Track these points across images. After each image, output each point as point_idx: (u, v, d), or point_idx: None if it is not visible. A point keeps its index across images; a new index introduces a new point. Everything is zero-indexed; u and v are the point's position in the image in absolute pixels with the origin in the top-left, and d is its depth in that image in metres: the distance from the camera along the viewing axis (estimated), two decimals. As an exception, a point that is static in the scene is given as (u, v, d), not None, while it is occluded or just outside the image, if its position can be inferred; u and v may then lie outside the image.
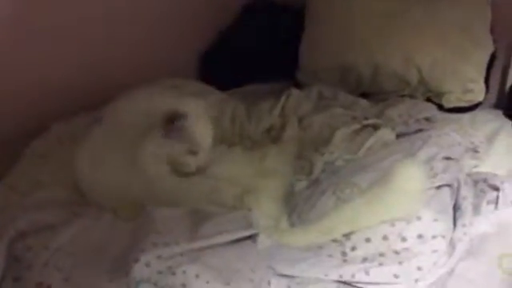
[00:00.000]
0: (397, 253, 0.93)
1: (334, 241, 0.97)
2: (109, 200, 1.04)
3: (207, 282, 0.83)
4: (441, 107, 1.53)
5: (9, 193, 1.13)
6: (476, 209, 1.05)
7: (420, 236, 0.95)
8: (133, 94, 1.22)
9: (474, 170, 1.21)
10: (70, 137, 1.32)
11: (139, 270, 0.81)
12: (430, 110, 1.44)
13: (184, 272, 0.83)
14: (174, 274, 0.82)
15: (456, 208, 1.05)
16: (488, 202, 1.07)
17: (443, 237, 0.96)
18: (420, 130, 1.30)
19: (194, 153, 1.09)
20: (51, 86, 1.50)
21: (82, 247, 0.88)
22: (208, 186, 1.06)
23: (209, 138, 1.12)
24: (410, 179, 1.01)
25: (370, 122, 1.34)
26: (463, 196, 1.06)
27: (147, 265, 0.82)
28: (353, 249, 0.95)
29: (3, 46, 1.38)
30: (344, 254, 0.95)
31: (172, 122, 1.05)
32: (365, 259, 0.93)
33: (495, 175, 1.14)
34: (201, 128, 1.10)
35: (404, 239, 0.95)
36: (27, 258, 0.84)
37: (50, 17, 1.47)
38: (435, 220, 0.97)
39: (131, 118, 1.13)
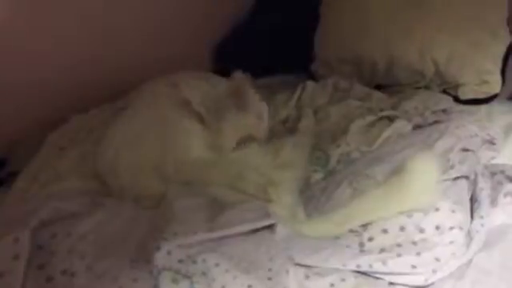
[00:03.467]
0: (414, 244, 0.93)
1: (352, 231, 0.98)
2: (134, 186, 1.06)
3: (227, 271, 0.84)
4: (456, 99, 1.52)
5: (31, 183, 1.16)
6: (493, 200, 1.05)
7: (437, 227, 0.95)
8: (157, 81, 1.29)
9: (491, 161, 1.21)
10: (88, 129, 1.34)
11: (161, 258, 0.83)
12: (446, 102, 1.43)
13: (204, 260, 0.84)
14: (194, 262, 0.84)
15: (473, 199, 1.05)
16: (505, 194, 1.07)
17: (461, 228, 0.96)
18: (436, 122, 1.30)
19: (259, 117, 1.21)
20: (69, 79, 1.52)
21: (105, 236, 0.89)
22: (235, 171, 1.09)
23: (265, 105, 1.25)
24: (426, 172, 1.00)
25: (386, 113, 1.34)
26: (480, 187, 1.06)
27: (169, 253, 0.84)
28: (370, 239, 0.96)
29: (22, 39, 1.40)
30: (362, 244, 0.95)
31: (240, 96, 1.18)
32: (382, 250, 0.93)
33: (512, 167, 1.14)
34: (258, 101, 1.24)
35: (422, 230, 0.95)
36: (51, 244, 0.85)
37: (66, 8, 1.49)
38: (453, 211, 0.97)
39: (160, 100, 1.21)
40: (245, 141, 1.18)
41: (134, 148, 1.12)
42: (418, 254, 0.91)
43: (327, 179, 1.17)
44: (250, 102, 1.21)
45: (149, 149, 1.11)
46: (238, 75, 1.24)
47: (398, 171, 1.04)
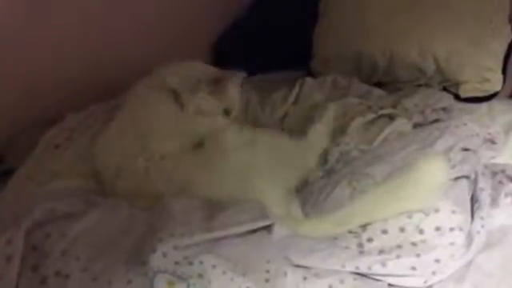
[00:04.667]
0: (414, 245, 0.92)
1: (350, 232, 0.97)
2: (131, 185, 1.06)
3: (224, 273, 0.82)
4: (457, 97, 1.51)
5: (25, 182, 1.14)
6: (494, 201, 1.04)
7: (437, 228, 0.94)
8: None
9: (492, 161, 1.20)
10: (84, 127, 1.33)
11: (156, 260, 0.81)
12: (447, 100, 1.42)
13: (201, 262, 0.83)
14: (190, 264, 0.82)
15: (474, 200, 1.04)
16: (506, 194, 1.06)
17: (461, 229, 0.95)
18: (437, 120, 1.29)
19: (227, 113, 1.21)
20: (65, 76, 1.51)
21: (100, 237, 0.88)
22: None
23: (239, 102, 1.26)
24: (431, 173, 0.99)
25: (386, 111, 1.32)
26: (481, 188, 1.05)
27: (164, 255, 0.82)
28: (369, 240, 0.94)
29: (19, 37, 1.39)
30: (360, 245, 0.94)
31: (218, 82, 1.19)
32: (381, 251, 0.92)
33: (513, 167, 1.13)
34: (236, 93, 1.24)
35: (421, 231, 0.94)
36: (45, 245, 0.84)
37: (64, 6, 1.47)
38: (453, 212, 0.96)
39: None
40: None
41: (123, 143, 1.13)
42: (418, 255, 0.90)
43: (326, 178, 1.15)
44: (225, 95, 1.21)
45: (132, 143, 1.12)
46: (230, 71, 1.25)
47: (399, 171, 1.03)
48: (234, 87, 1.24)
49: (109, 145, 1.15)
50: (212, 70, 1.28)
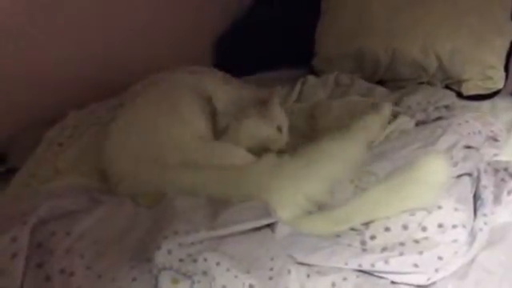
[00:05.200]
0: (417, 242, 0.92)
1: (353, 230, 0.97)
2: (135, 181, 1.05)
3: (228, 270, 0.83)
4: (459, 95, 1.51)
5: (29, 180, 1.15)
6: (496, 198, 1.04)
7: (440, 225, 0.94)
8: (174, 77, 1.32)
9: (494, 158, 1.20)
10: (86, 125, 1.33)
11: (161, 258, 0.82)
12: (449, 98, 1.42)
13: (205, 259, 0.83)
14: (195, 261, 0.83)
15: (476, 197, 1.04)
16: (509, 192, 1.06)
17: (464, 226, 0.95)
18: (439, 118, 1.29)
19: (279, 130, 1.19)
20: (67, 75, 1.52)
21: (104, 234, 0.88)
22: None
23: (287, 120, 1.24)
24: (433, 172, 0.99)
25: (388, 109, 1.32)
26: (483, 185, 1.05)
27: (169, 252, 0.83)
28: (372, 238, 0.94)
29: (20, 35, 1.39)
30: (363, 242, 0.94)
31: (264, 105, 1.17)
32: (384, 248, 0.92)
33: (516, 164, 1.13)
34: (281, 110, 1.23)
35: (424, 229, 0.94)
36: (50, 243, 0.84)
37: (65, 5, 1.48)
38: (456, 209, 0.96)
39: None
40: (256, 151, 1.15)
41: (137, 137, 1.10)
42: (421, 252, 0.90)
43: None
44: (273, 113, 1.19)
45: (151, 137, 1.10)
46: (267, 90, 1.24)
47: (402, 169, 1.03)
48: (278, 105, 1.23)
49: (120, 146, 1.12)
50: (255, 91, 1.27)
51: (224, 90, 1.24)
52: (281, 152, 1.14)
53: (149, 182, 1.03)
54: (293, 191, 1.00)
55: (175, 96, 1.20)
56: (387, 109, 1.27)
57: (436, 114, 1.31)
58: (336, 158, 1.06)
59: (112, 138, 1.14)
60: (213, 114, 1.18)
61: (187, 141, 1.10)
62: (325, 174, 1.03)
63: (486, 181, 1.06)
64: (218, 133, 1.17)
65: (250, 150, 1.14)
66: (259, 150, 1.15)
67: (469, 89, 1.51)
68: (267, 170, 1.04)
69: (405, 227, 0.95)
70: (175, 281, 0.80)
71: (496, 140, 1.26)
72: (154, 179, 1.03)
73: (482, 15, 1.52)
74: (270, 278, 0.84)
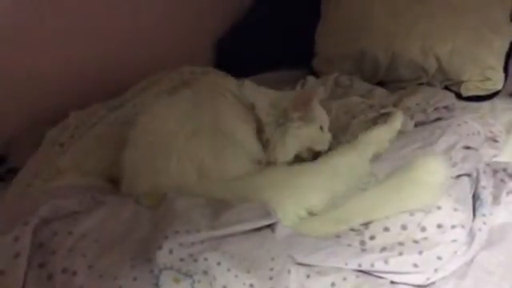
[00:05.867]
0: (416, 242, 0.93)
1: (353, 230, 0.97)
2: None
3: (228, 270, 0.83)
4: (459, 96, 1.52)
5: (31, 180, 1.15)
6: (495, 199, 1.05)
7: (439, 226, 0.95)
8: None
9: (494, 159, 1.20)
10: (87, 125, 1.33)
11: (162, 257, 0.82)
12: (449, 99, 1.42)
13: (206, 259, 0.83)
14: (195, 261, 0.83)
15: (475, 198, 1.04)
16: (508, 192, 1.06)
17: (463, 226, 0.95)
18: (439, 119, 1.29)
19: (322, 130, 1.18)
20: (68, 75, 1.52)
21: (106, 234, 0.89)
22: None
23: (327, 117, 1.21)
24: (431, 173, 1.00)
25: (388, 110, 1.33)
26: (483, 186, 1.06)
27: (170, 252, 0.83)
28: (371, 238, 0.95)
29: (21, 36, 1.39)
30: (363, 243, 0.95)
31: (304, 105, 1.13)
32: (384, 248, 0.93)
33: (515, 165, 1.13)
34: (321, 109, 1.20)
35: (423, 229, 0.94)
36: (52, 242, 0.85)
37: (67, 5, 1.48)
38: (455, 210, 0.97)
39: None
40: (304, 152, 1.16)
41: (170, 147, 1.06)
42: (420, 252, 0.91)
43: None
44: (315, 114, 1.17)
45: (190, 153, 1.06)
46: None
47: (400, 170, 1.04)
48: (318, 104, 1.20)
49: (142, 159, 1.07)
50: (295, 95, 1.20)
51: (262, 95, 1.19)
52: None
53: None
54: (295, 206, 1.01)
55: (217, 105, 1.14)
56: (399, 122, 1.24)
57: (435, 115, 1.31)
58: (341, 174, 1.07)
59: (132, 147, 1.09)
60: (257, 124, 1.15)
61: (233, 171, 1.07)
62: (328, 189, 1.04)
63: (485, 181, 1.07)
64: (265, 143, 1.14)
65: (298, 155, 1.14)
66: (305, 153, 1.16)
67: (468, 90, 1.52)
68: (271, 183, 1.05)
69: (404, 227, 0.95)
70: (176, 280, 0.80)
71: (495, 141, 1.26)
72: None
73: (481, 17, 1.53)
74: (270, 278, 0.84)
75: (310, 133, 1.16)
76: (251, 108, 1.16)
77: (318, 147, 1.18)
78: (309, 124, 1.15)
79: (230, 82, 1.24)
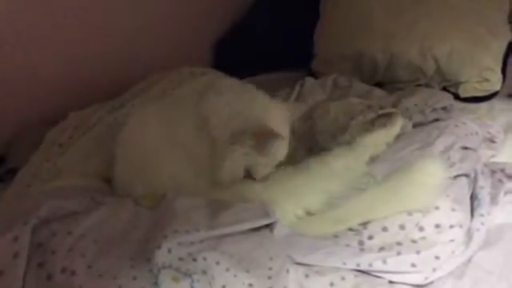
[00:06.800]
0: (414, 242, 0.94)
1: (351, 230, 0.98)
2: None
3: (227, 270, 0.83)
4: (457, 97, 1.52)
5: (30, 180, 1.15)
6: (493, 199, 1.06)
7: (437, 226, 0.95)
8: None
9: (491, 160, 1.21)
10: (87, 126, 1.34)
11: (161, 256, 0.82)
12: (447, 100, 1.42)
13: (204, 259, 0.84)
14: (194, 260, 0.83)
15: (473, 198, 1.05)
16: (505, 193, 1.07)
17: (460, 226, 0.96)
18: (437, 120, 1.30)
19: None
20: (68, 76, 1.52)
21: (105, 234, 0.89)
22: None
23: (284, 152, 1.12)
24: (430, 175, 1.00)
25: (387, 111, 1.33)
26: (480, 186, 1.06)
27: (169, 251, 0.83)
28: (370, 238, 0.96)
29: (21, 37, 1.40)
30: (361, 242, 0.95)
31: (265, 139, 1.05)
32: (382, 248, 0.93)
33: (513, 165, 1.14)
34: (283, 151, 1.12)
35: (421, 229, 0.95)
36: (52, 242, 0.85)
37: (66, 5, 1.48)
38: (453, 210, 0.98)
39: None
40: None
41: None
42: (418, 252, 0.92)
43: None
44: (273, 151, 1.09)
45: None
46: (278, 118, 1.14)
47: (399, 171, 1.04)
48: (282, 145, 1.10)
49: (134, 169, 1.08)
50: (260, 120, 1.09)
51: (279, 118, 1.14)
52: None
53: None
54: (294, 207, 1.01)
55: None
56: (398, 126, 1.23)
57: (433, 116, 1.31)
58: (338, 176, 1.07)
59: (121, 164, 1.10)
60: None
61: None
62: (325, 189, 1.05)
63: (483, 181, 1.07)
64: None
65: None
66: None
67: (466, 91, 1.52)
68: (269, 184, 1.05)
69: (402, 227, 0.96)
70: (175, 279, 0.80)
71: (493, 141, 1.27)
72: None
73: (479, 18, 1.54)
74: (269, 278, 0.85)
75: (253, 164, 1.08)
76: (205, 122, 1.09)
77: (255, 176, 1.10)
78: (256, 156, 1.07)
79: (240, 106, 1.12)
